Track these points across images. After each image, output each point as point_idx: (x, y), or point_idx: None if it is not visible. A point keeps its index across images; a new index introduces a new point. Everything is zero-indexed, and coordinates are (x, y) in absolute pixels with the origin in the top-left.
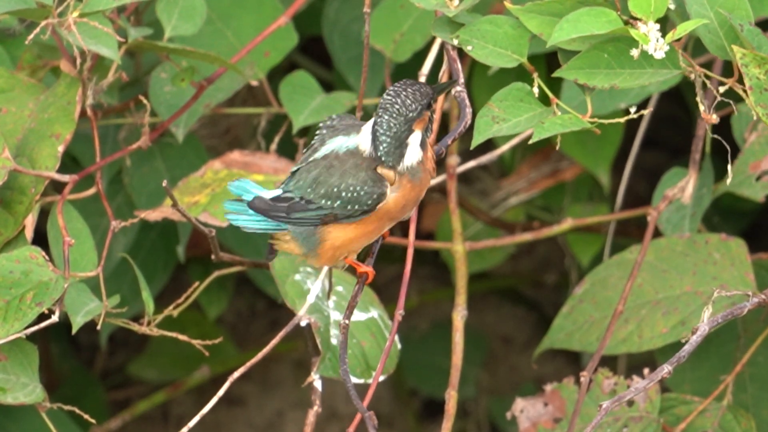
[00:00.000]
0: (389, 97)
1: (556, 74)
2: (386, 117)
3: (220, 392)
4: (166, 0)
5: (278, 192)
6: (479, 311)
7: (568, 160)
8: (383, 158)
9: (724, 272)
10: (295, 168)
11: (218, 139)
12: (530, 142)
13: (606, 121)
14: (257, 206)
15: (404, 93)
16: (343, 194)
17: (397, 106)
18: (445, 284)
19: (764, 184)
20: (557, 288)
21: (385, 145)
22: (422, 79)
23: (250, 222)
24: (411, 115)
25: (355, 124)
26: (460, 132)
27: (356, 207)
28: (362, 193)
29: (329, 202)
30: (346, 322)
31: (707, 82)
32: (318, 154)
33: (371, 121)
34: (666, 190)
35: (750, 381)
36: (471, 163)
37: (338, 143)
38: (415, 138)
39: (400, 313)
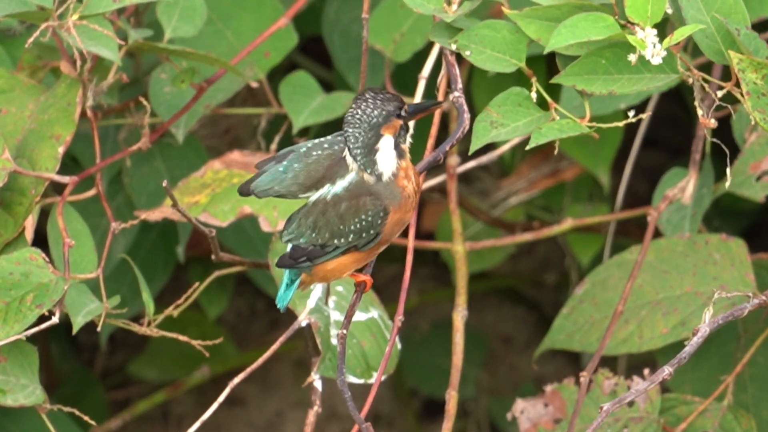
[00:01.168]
0: (351, 110)
1: (554, 81)
2: (350, 130)
3: (221, 397)
4: (166, 1)
5: (287, 244)
6: (479, 311)
7: (568, 160)
8: (365, 168)
9: (725, 273)
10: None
11: (218, 139)
12: (527, 148)
13: (604, 126)
14: (285, 264)
15: (365, 103)
16: (352, 227)
17: (358, 116)
18: (445, 284)
19: (764, 184)
20: (557, 288)
21: (359, 156)
22: (422, 82)
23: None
24: (374, 121)
25: (337, 163)
26: (458, 138)
27: (371, 231)
28: (369, 218)
29: (343, 240)
30: (344, 332)
31: (705, 86)
32: (310, 200)
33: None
34: (666, 190)
35: (750, 381)
36: (471, 163)
37: (325, 191)
38: (385, 143)
39: (399, 318)
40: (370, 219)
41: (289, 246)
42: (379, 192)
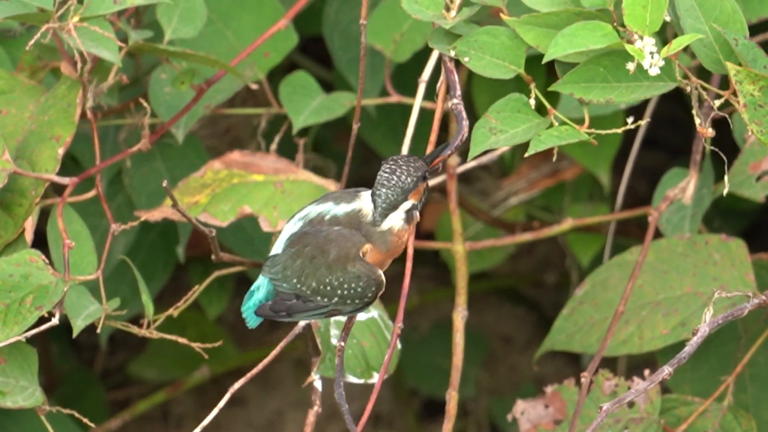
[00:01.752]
0: (386, 174)
1: (552, 89)
2: (384, 191)
3: (224, 399)
4: (166, 2)
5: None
6: (479, 311)
7: (568, 160)
8: (377, 220)
9: (725, 273)
10: (273, 252)
11: (218, 139)
12: (526, 155)
13: (603, 132)
14: (264, 314)
15: (399, 170)
16: (339, 291)
17: (393, 182)
18: (445, 284)
19: (764, 184)
20: (557, 288)
21: (382, 210)
22: (422, 86)
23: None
24: (407, 187)
25: (345, 196)
26: (456, 145)
27: (357, 301)
28: (359, 288)
29: (326, 300)
30: (342, 344)
31: (704, 93)
32: (305, 217)
33: (368, 193)
34: (666, 190)
35: (750, 381)
36: (471, 163)
37: (327, 208)
38: (406, 206)
39: (399, 326)
40: (360, 289)
41: (271, 286)
42: (371, 235)
